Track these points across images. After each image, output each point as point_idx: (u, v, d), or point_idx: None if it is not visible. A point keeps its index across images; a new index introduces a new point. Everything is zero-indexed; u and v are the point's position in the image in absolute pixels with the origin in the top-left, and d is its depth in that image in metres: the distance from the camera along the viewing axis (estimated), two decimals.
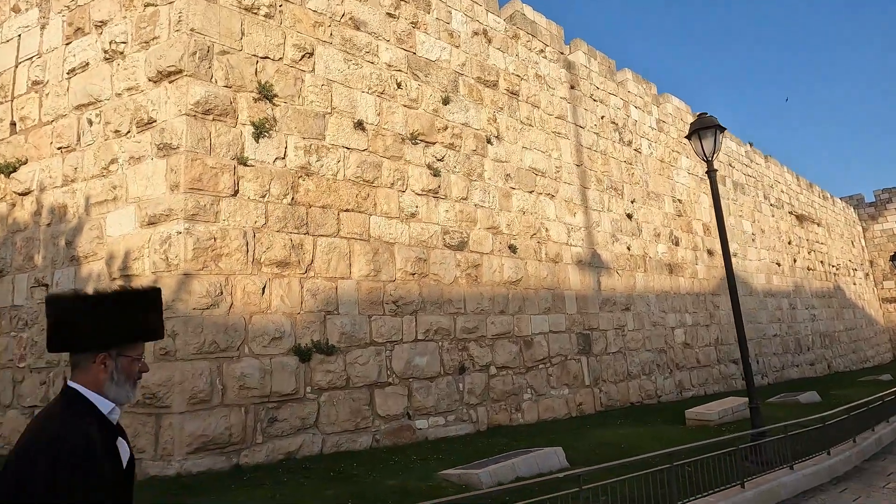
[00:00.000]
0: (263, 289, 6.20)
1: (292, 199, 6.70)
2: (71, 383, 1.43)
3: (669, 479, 4.06)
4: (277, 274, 6.38)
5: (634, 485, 4.07)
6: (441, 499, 3.55)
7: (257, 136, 6.48)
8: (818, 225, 26.14)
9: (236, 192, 6.20)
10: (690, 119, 16.97)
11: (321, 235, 6.88)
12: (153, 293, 1.56)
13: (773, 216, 21.13)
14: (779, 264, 20.37)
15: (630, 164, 13.46)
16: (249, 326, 6.00)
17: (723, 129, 6.36)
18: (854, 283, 29.24)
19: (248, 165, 6.34)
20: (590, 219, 11.59)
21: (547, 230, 10.40)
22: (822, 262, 25.29)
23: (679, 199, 15.17)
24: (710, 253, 15.83)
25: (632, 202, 13.09)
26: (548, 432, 7.72)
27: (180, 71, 6.04)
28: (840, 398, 11.20)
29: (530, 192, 10.28)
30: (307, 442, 6.18)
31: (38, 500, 1.17)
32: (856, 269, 30.15)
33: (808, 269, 23.31)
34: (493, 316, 8.81)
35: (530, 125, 10.70)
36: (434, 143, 8.69)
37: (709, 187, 17.01)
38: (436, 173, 8.48)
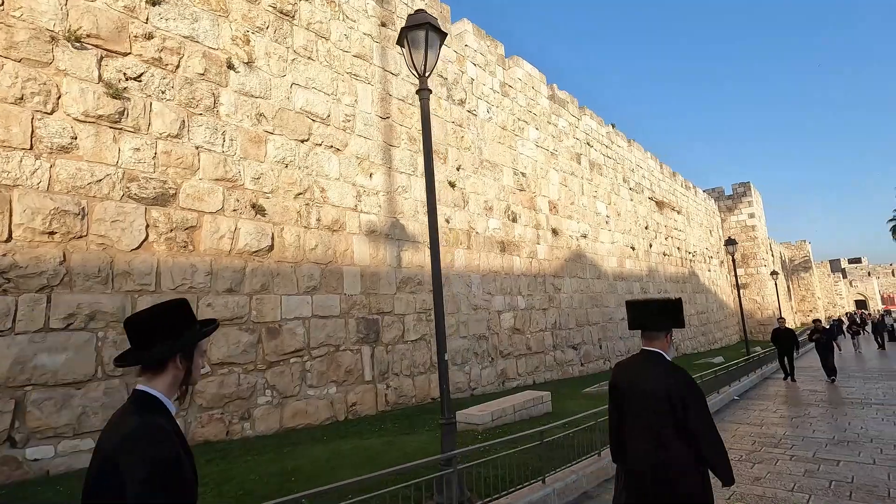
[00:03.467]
0: None
1: None
2: (647, 347, 2.58)
3: None
4: None
5: None
6: None
7: None
8: (678, 212, 27.01)
9: None
10: (544, 88, 15.85)
11: None
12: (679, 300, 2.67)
13: (631, 200, 21.03)
14: (633, 248, 20.30)
15: (460, 126, 11.84)
16: None
17: (443, 35, 4.62)
18: (709, 270, 30.97)
19: None
20: (393, 182, 9.75)
21: (323, 190, 8.36)
22: (679, 248, 26.15)
23: (522, 173, 13.93)
24: (554, 232, 14.87)
25: (457, 169, 11.49)
26: (253, 451, 5.72)
27: None
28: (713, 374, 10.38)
29: (301, 141, 8.15)
30: None
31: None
32: (712, 257, 32.00)
33: (665, 254, 23.82)
34: (212, 295, 6.61)
35: (310, 59, 8.52)
36: (126, 55, 6.21)
37: (559, 162, 16.17)
38: (117, 95, 6.01)
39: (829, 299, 78.93)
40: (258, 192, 7.38)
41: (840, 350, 19.81)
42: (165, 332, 1.47)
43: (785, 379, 12.96)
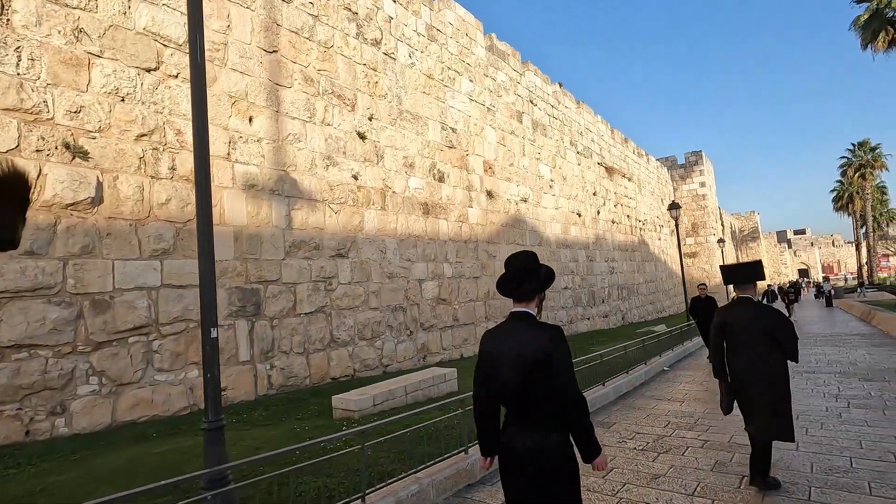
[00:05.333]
0: None
1: None
2: (742, 294, 3.73)
3: None
4: None
5: None
6: None
7: None
8: (629, 180, 26.44)
9: None
10: (481, 37, 14.43)
11: None
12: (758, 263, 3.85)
13: (579, 164, 20.12)
14: (580, 214, 19.51)
15: (374, 69, 10.36)
16: None
17: None
18: (660, 239, 30.84)
19: None
20: (283, 129, 8.28)
21: (181, 133, 6.84)
22: (628, 216, 25.66)
23: (452, 128, 12.62)
24: (490, 195, 13.74)
25: (369, 119, 10.07)
26: (34, 460, 4.40)
27: None
28: (593, 354, 9.41)
29: (147, 70, 6.56)
30: None
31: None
32: (662, 226, 31.87)
33: (613, 221, 23.23)
34: (1, 260, 5.12)
35: None
36: None
37: (497, 119, 14.93)
38: None
39: (775, 268, 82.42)
40: (77, 130, 5.82)
41: None
42: (533, 275, 2.15)
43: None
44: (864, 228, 44.94)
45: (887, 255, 47.37)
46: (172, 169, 6.69)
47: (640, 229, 27.33)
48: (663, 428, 5.05)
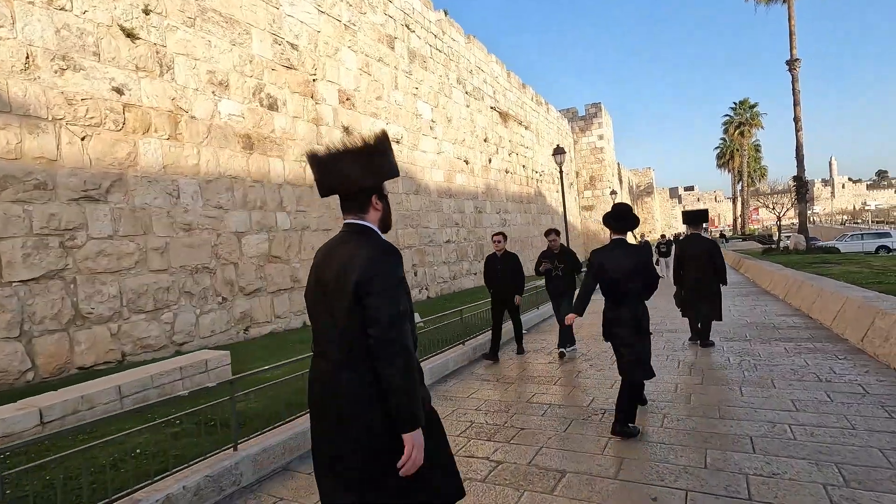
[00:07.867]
0: None
1: None
2: (693, 231, 6.34)
3: None
4: None
5: None
6: None
7: None
8: (526, 128, 25.25)
9: None
10: None
11: None
12: None
13: (468, 106, 18.31)
14: (468, 162, 17.90)
15: None
16: None
17: None
18: (557, 191, 30.48)
19: None
20: None
21: None
22: (524, 166, 24.64)
23: (292, 44, 10.08)
24: (347, 132, 11.51)
25: (145, 12, 7.32)
26: None
27: None
28: (459, 315, 7.54)
29: None
30: None
31: None
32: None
33: (507, 171, 22.01)
34: None
35: None
36: None
37: (359, 42, 12.33)
38: None
39: (667, 221, 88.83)
40: None
41: None
42: (628, 217, 3.66)
43: (489, 356, 6.28)
44: (741, 184, 48.64)
45: (757, 209, 52.00)
46: None
47: (538, 181, 26.56)
48: (457, 436, 3.53)
